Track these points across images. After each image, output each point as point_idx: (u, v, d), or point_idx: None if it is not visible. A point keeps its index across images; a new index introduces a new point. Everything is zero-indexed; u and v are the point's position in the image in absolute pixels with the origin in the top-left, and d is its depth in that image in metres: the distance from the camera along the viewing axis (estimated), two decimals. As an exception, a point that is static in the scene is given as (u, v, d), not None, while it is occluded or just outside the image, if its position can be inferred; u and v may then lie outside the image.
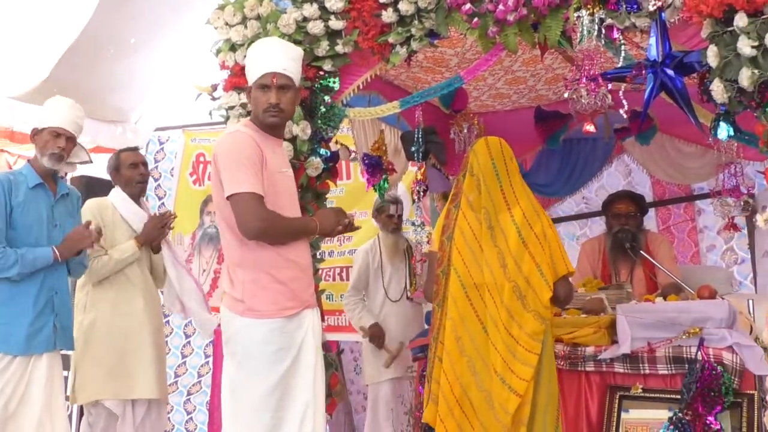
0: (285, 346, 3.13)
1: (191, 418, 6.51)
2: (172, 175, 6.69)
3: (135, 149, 4.64)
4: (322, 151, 4.08)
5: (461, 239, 3.55)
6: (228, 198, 3.09)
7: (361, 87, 4.07)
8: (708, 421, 3.49)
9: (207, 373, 6.45)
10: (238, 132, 3.19)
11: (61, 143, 3.88)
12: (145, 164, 4.55)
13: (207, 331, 4.55)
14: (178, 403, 6.46)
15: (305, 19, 3.95)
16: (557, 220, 6.23)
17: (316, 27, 3.92)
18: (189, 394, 6.51)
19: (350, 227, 3.44)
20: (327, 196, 4.26)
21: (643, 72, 3.26)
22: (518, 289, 3.44)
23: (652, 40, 3.23)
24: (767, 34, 2.83)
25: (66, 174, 4.73)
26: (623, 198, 5.14)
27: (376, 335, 5.23)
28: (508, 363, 3.39)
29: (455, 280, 3.54)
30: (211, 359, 6.39)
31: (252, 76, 3.31)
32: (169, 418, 6.15)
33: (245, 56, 3.99)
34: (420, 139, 4.88)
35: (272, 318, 3.11)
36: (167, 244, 4.45)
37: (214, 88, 4.21)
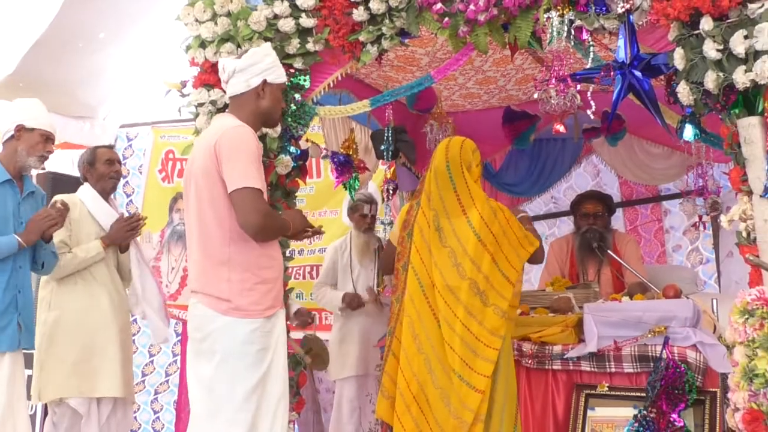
0: (265, 346, 3.14)
1: (158, 418, 6.47)
2: (140, 173, 6.65)
3: (111, 147, 4.64)
4: (292, 149, 4.08)
5: (419, 237, 3.62)
6: (233, 192, 3.06)
7: (331, 85, 4.08)
8: (672, 419, 3.56)
9: (175, 372, 6.42)
10: (244, 126, 3.18)
11: (50, 147, 3.95)
12: (120, 162, 4.56)
13: (158, 338, 4.52)
14: (145, 402, 6.42)
15: (276, 17, 3.95)
16: (526, 220, 6.29)
17: (286, 24, 3.93)
18: (156, 393, 6.48)
19: (317, 231, 3.49)
20: (297, 194, 4.27)
21: (612, 73, 3.31)
22: (476, 286, 3.51)
23: (621, 42, 3.28)
24: (732, 38, 2.89)
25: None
26: (591, 198, 5.21)
27: (352, 299, 5.24)
28: (467, 361, 3.43)
29: (413, 279, 3.60)
30: (179, 358, 6.36)
31: (276, 77, 3.32)
32: (135, 417, 6.12)
33: (215, 53, 4.01)
34: (390, 138, 4.90)
35: (255, 318, 3.12)
36: (135, 244, 4.42)
37: (184, 84, 4.19)
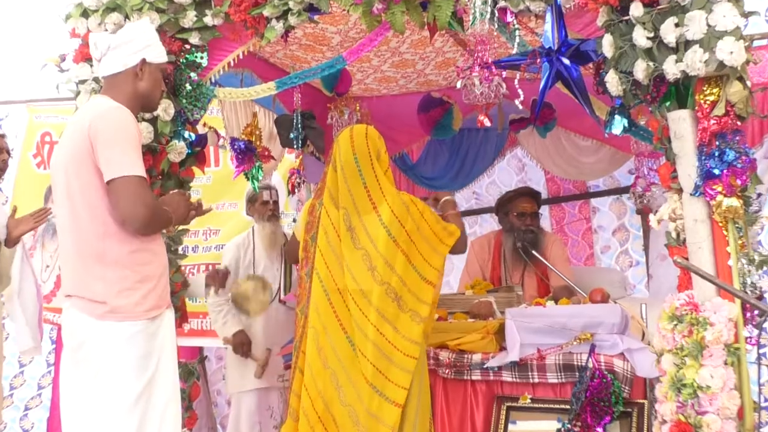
0: (149, 351, 3.09)
1: (28, 437, 6.32)
2: (11, 157, 6.45)
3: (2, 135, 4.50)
4: (187, 134, 4.04)
5: (324, 240, 3.59)
6: (112, 181, 2.98)
7: (232, 64, 4.06)
8: (597, 432, 3.66)
9: (48, 385, 6.26)
10: (122, 108, 3.10)
11: None
12: (8, 152, 4.48)
13: (24, 349, 4.41)
14: (14, 419, 6.26)
15: (170, -15, 3.91)
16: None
17: (182, -6, 3.89)
18: (27, 408, 6.32)
19: (200, 209, 3.41)
20: (192, 184, 4.23)
21: (538, 60, 3.38)
22: (392, 291, 3.51)
23: (548, 26, 3.35)
24: (662, 26, 2.97)
25: None
26: (526, 195, 5.25)
27: (241, 344, 5.18)
28: (383, 371, 3.44)
29: (318, 286, 3.56)
30: (54, 369, 6.20)
31: (156, 56, 3.26)
32: (2, 436, 5.95)
33: (99, 24, 3.92)
34: (298, 125, 4.89)
35: (136, 320, 3.06)
36: (22, 242, 4.33)
37: (63, 58, 4.09)
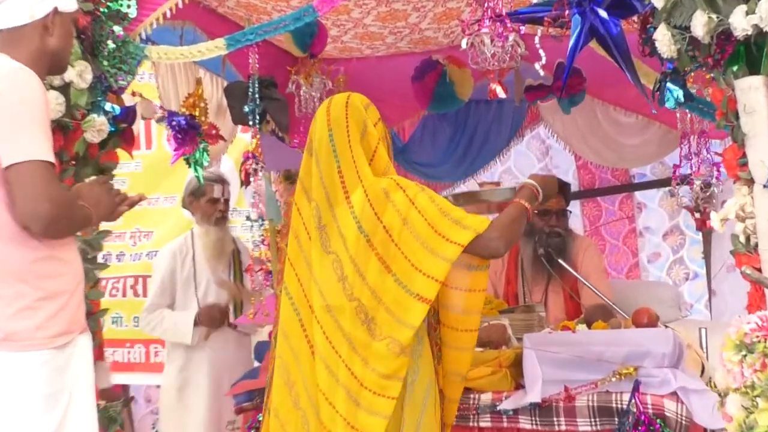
0: (57, 390, 3.07)
1: None
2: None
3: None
4: (109, 106, 4.04)
5: (294, 245, 3.48)
6: (11, 167, 2.96)
7: (168, 15, 4.05)
8: (642, 495, 3.65)
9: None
10: (24, 70, 3.08)
11: None
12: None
13: None
14: None
15: None
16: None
17: (102, -76, 3.88)
18: None
19: (130, 201, 3.39)
20: (116, 172, 4.24)
21: (567, 12, 3.37)
22: (362, 310, 3.29)
23: (579, -34, 3.34)
24: (729, -34, 2.96)
25: None
26: None
27: (210, 316, 5.20)
28: (347, 418, 3.34)
29: (286, 305, 3.45)
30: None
31: (68, 3, 3.28)
32: None
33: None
34: (256, 95, 4.86)
35: (38, 350, 3.04)
36: None
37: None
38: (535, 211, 5.03)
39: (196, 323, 5.24)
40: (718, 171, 5.03)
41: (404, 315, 3.27)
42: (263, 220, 5.12)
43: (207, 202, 5.42)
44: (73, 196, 3.16)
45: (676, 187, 5.26)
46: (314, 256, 3.42)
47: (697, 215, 5.24)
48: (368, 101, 3.59)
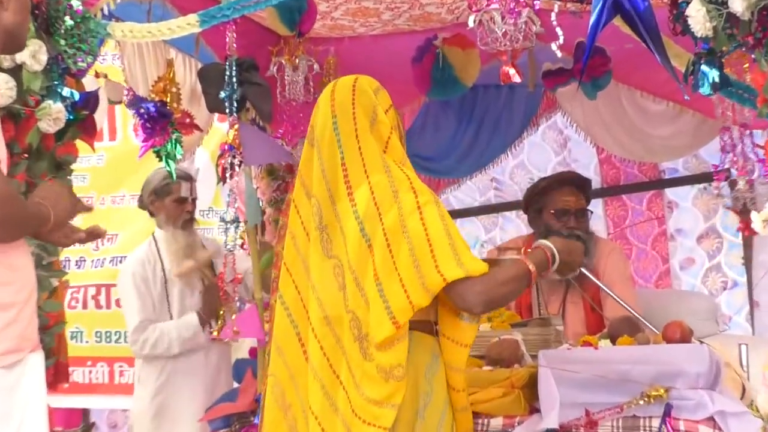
0: (4, 412, 3.09)
1: None
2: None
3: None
4: (68, 91, 4.07)
5: (291, 247, 3.46)
6: None
7: (134, -13, 4.09)
8: None
9: None
10: None
11: None
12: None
13: None
14: None
15: None
16: (451, 215, 6.36)
17: None
18: None
19: (88, 210, 3.48)
20: (75, 166, 4.25)
21: (588, -15, 3.42)
22: (357, 324, 3.25)
23: (603, -67, 3.38)
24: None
25: None
26: (568, 184, 5.29)
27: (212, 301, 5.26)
28: None
29: (282, 316, 3.48)
30: None
31: None
32: None
33: None
34: (234, 78, 4.88)
35: None
36: None
37: None
38: (552, 211, 5.11)
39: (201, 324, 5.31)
40: (766, 167, 5.05)
41: (375, 332, 3.21)
42: (239, 221, 5.10)
43: (173, 202, 5.41)
44: (17, 192, 3.16)
45: (720, 185, 5.30)
46: (313, 261, 3.40)
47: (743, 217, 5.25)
48: (378, 84, 3.59)
